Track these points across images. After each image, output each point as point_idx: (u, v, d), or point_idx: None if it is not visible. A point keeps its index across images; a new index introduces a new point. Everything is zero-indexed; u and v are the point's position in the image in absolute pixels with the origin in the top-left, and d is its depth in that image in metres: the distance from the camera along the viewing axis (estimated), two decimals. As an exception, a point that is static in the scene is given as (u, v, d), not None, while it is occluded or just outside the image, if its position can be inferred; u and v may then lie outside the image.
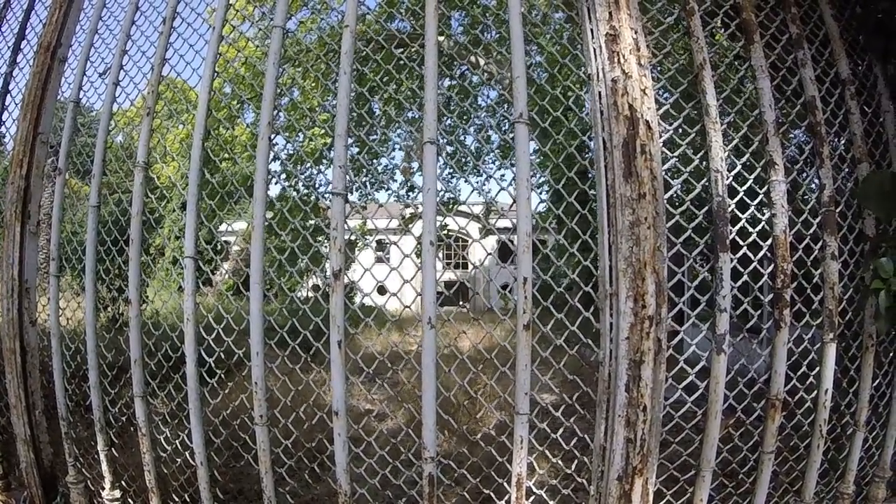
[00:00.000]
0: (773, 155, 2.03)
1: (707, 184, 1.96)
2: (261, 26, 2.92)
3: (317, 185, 7.95)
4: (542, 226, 2.20)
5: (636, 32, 1.79)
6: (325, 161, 7.01)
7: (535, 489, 1.92)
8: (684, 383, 1.94)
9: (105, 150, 2.45)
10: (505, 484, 1.89)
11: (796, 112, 2.22)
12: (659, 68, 2.31)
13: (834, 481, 2.32)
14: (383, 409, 3.81)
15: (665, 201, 1.76)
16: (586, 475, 1.85)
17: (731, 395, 1.98)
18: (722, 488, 2.17)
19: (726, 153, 1.99)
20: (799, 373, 2.13)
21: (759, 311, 2.10)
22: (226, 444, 2.35)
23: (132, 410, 2.33)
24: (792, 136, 2.43)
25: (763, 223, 2.04)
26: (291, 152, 6.68)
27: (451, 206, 8.29)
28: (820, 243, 2.12)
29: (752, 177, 2.08)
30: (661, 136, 1.83)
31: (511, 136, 1.87)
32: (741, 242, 2.01)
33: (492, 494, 2.02)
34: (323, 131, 6.76)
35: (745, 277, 2.01)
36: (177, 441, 2.38)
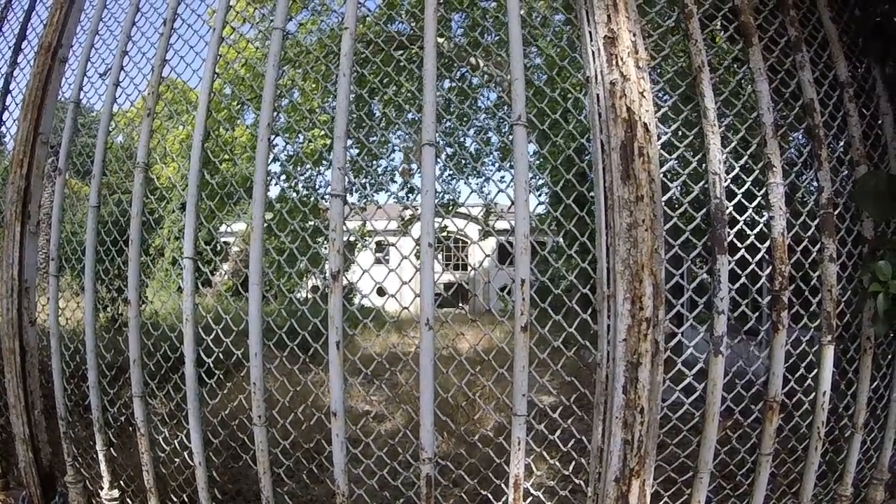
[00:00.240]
0: (772, 157, 2.03)
1: (705, 186, 1.96)
2: (261, 28, 2.92)
3: (316, 187, 7.97)
4: (541, 227, 2.21)
5: (634, 35, 1.79)
6: (324, 162, 7.02)
7: (532, 490, 1.92)
8: (682, 385, 1.94)
9: (105, 150, 2.45)
10: (503, 485, 1.89)
11: (795, 114, 2.22)
12: (658, 71, 2.32)
13: (832, 483, 2.32)
14: (382, 410, 3.81)
15: (663, 203, 1.76)
16: (584, 477, 1.85)
17: (728, 397, 1.98)
18: (719, 490, 2.17)
19: (724, 155, 1.99)
20: (797, 375, 2.13)
21: (757, 313, 2.10)
22: (224, 444, 2.35)
23: (131, 410, 2.33)
24: (791, 138, 2.44)
25: (761, 225, 2.05)
26: (291, 154, 6.69)
27: (450, 208, 8.30)
28: (818, 245, 2.12)
29: (751, 179, 2.08)
30: (659, 139, 1.84)
31: (510, 137, 1.87)
32: (739, 244, 2.02)
33: (489, 496, 2.02)
34: (323, 133, 6.77)
35: (743, 279, 2.01)
36: (175, 441, 2.38)
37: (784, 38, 2.20)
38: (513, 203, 1.83)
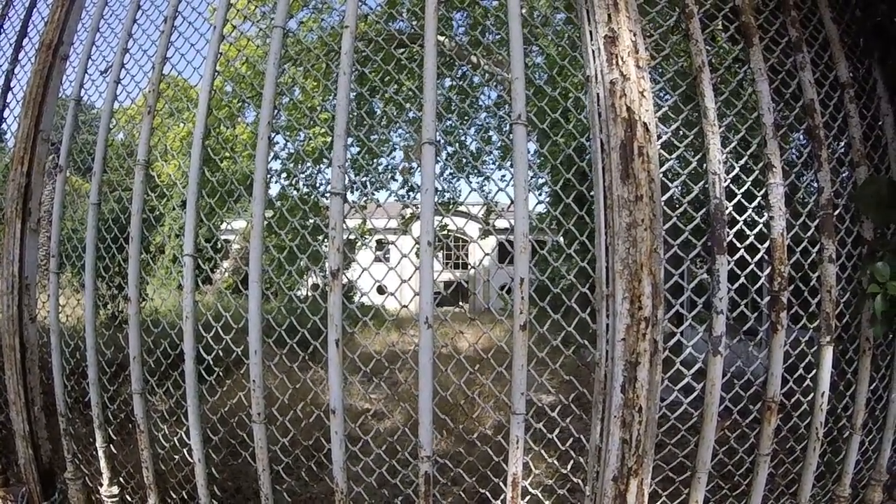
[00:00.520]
0: (772, 158, 2.03)
1: (705, 186, 1.96)
2: (262, 26, 2.92)
3: (317, 185, 7.97)
4: (540, 227, 2.21)
5: (635, 35, 1.79)
6: (325, 160, 7.02)
7: (531, 489, 1.92)
8: (681, 385, 1.94)
9: (106, 147, 2.46)
10: (501, 484, 1.90)
11: (795, 115, 2.22)
12: (658, 70, 2.32)
13: (830, 484, 2.32)
14: (381, 408, 3.82)
15: (663, 203, 1.77)
16: (582, 475, 1.86)
17: (727, 397, 1.99)
18: (717, 490, 2.17)
19: (724, 156, 1.99)
20: (796, 375, 2.13)
21: (756, 314, 2.10)
22: (224, 441, 2.35)
23: (131, 407, 2.34)
24: (791, 139, 2.43)
25: (761, 226, 2.05)
26: (292, 152, 6.69)
27: (450, 207, 8.30)
28: (818, 246, 2.12)
29: (751, 179, 2.08)
30: (659, 139, 1.84)
31: (510, 136, 1.88)
32: (738, 245, 2.02)
33: (488, 494, 2.02)
34: (323, 131, 6.77)
35: (743, 280, 2.02)
36: (175, 438, 2.38)
37: (785, 38, 2.20)
38: (512, 202, 1.83)
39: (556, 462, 1.98)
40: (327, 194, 2.00)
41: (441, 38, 1.99)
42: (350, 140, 2.04)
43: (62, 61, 2.69)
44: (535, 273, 1.91)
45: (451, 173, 9.57)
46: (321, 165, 7.65)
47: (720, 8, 2.15)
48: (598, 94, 1.79)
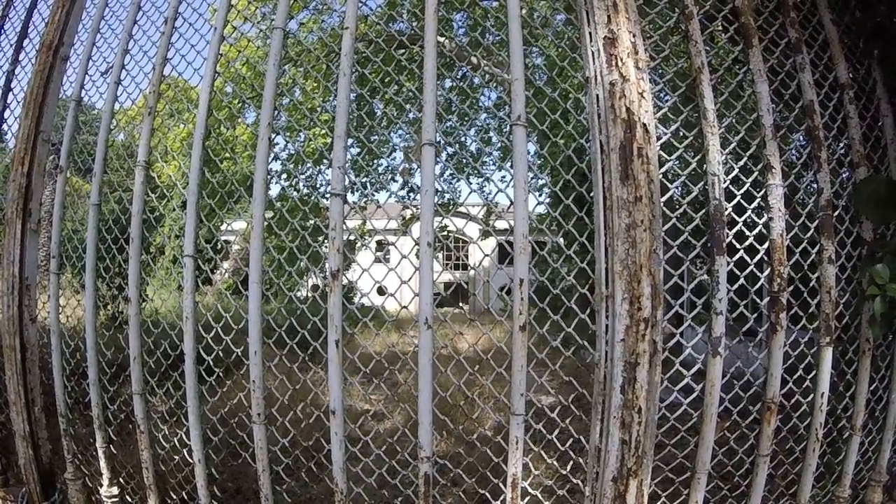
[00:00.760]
0: (771, 159, 2.03)
1: (704, 187, 1.96)
2: (262, 27, 2.93)
3: (317, 186, 7.97)
4: (540, 228, 2.21)
5: (634, 36, 1.79)
6: (325, 161, 7.02)
7: (530, 490, 1.92)
8: (680, 385, 1.95)
9: (106, 148, 2.46)
10: (501, 484, 1.90)
11: (795, 116, 2.22)
12: (658, 71, 2.32)
13: (830, 485, 2.32)
14: (381, 408, 3.82)
15: (662, 204, 1.77)
16: (582, 476, 1.86)
17: (727, 398, 1.99)
18: (717, 491, 2.17)
19: (724, 157, 2.00)
20: (795, 376, 2.13)
21: (755, 315, 2.10)
22: (224, 442, 2.35)
23: (131, 408, 2.34)
24: (790, 140, 2.44)
25: (760, 227, 2.05)
26: (292, 152, 6.70)
27: (450, 208, 8.30)
28: (817, 247, 2.13)
29: (750, 180, 2.08)
30: (658, 140, 1.84)
31: (510, 137, 1.88)
32: (738, 245, 2.02)
33: (488, 495, 2.02)
34: (323, 132, 6.78)
35: (742, 280, 2.02)
36: (175, 439, 2.39)
37: (784, 39, 2.21)
38: (512, 203, 1.84)
39: (555, 463, 1.98)
40: (327, 195, 2.00)
41: (441, 40, 1.99)
42: (350, 141, 2.04)
43: (63, 62, 2.70)
44: (534, 274, 1.91)
45: (451, 174, 9.56)
46: (321, 166, 7.65)
47: (719, 9, 2.16)
48: (597, 96, 1.79)
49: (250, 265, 2.03)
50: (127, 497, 2.59)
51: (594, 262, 1.79)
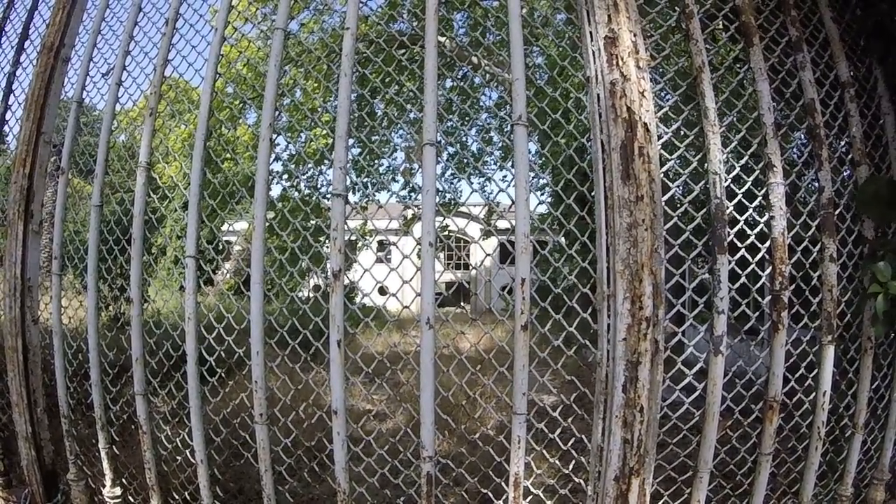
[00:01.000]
0: (772, 157, 2.03)
1: (706, 186, 1.96)
2: (263, 27, 2.93)
3: (318, 186, 7.98)
4: (541, 227, 2.21)
5: (635, 35, 1.80)
6: (326, 162, 7.03)
7: (532, 489, 1.93)
8: (682, 384, 1.94)
9: (108, 149, 2.46)
10: (503, 484, 1.90)
11: (796, 114, 2.22)
12: (659, 70, 2.32)
13: (832, 483, 2.32)
14: (383, 408, 3.82)
15: (663, 203, 1.77)
16: (584, 475, 1.86)
17: (728, 397, 1.99)
18: (719, 490, 2.17)
19: (725, 155, 2.00)
20: (797, 375, 2.13)
21: (757, 313, 2.10)
22: (226, 442, 2.36)
23: (133, 408, 2.34)
24: (791, 138, 2.43)
25: (762, 225, 2.05)
26: (293, 153, 6.70)
27: (451, 208, 8.30)
28: (819, 245, 2.12)
29: (751, 179, 2.08)
30: (659, 139, 1.84)
31: (511, 137, 1.88)
32: (739, 244, 2.02)
33: (490, 494, 2.03)
34: (324, 132, 6.78)
35: (744, 279, 2.02)
36: (177, 439, 2.39)
37: (785, 38, 2.20)
38: (513, 203, 1.84)
39: (557, 462, 1.98)
40: (329, 195, 2.00)
41: (442, 39, 2.00)
42: (351, 141, 2.04)
43: (64, 63, 2.70)
44: (536, 273, 1.91)
45: (452, 174, 9.57)
46: (322, 167, 7.66)
47: (720, 8, 2.16)
48: (598, 95, 1.79)
49: (252, 265, 2.03)
50: (129, 498, 2.59)
51: (595, 262, 1.79)
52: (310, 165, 7.80)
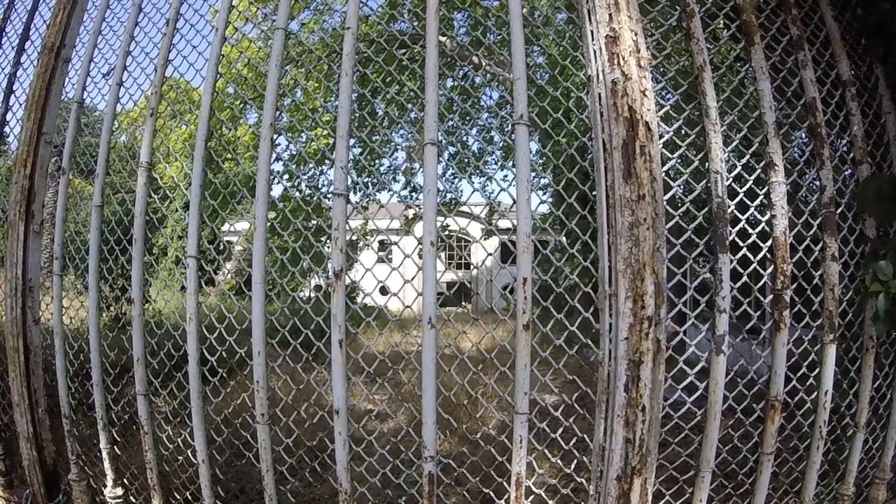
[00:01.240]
0: (773, 156, 2.03)
1: (707, 185, 1.96)
2: (263, 28, 2.93)
3: (319, 186, 7.98)
4: (543, 226, 2.21)
5: (636, 34, 1.79)
6: (327, 161, 7.03)
7: (534, 489, 1.92)
8: (684, 384, 1.94)
9: (108, 150, 2.46)
10: (505, 483, 1.90)
11: (797, 113, 2.22)
12: (660, 69, 2.31)
13: (834, 483, 2.32)
14: (384, 408, 3.82)
15: (665, 202, 1.77)
16: (586, 475, 1.86)
17: (730, 396, 1.98)
18: (721, 489, 2.17)
19: (726, 154, 1.99)
20: (799, 374, 2.13)
21: (759, 312, 2.10)
22: (227, 442, 2.36)
23: (134, 409, 2.35)
24: (793, 137, 2.43)
25: (763, 224, 2.04)
26: (294, 153, 6.70)
27: (452, 207, 8.30)
28: (820, 244, 2.12)
29: (753, 178, 2.08)
30: (661, 138, 1.84)
31: (513, 137, 1.88)
32: (741, 243, 2.02)
33: (492, 494, 2.02)
34: (325, 132, 6.78)
35: (745, 278, 2.01)
36: (179, 439, 2.39)
37: (786, 36, 2.20)
38: (515, 202, 1.84)
39: (559, 461, 1.98)
40: (330, 195, 2.00)
41: (442, 39, 1.99)
42: (352, 141, 2.04)
43: (64, 64, 2.70)
44: (537, 273, 1.91)
45: (453, 174, 9.55)
46: (323, 167, 7.66)
47: (721, 7, 2.15)
48: (599, 94, 1.79)
49: (253, 265, 2.03)
50: (131, 498, 2.59)
51: (597, 261, 1.79)
52: (311, 165, 7.79)
